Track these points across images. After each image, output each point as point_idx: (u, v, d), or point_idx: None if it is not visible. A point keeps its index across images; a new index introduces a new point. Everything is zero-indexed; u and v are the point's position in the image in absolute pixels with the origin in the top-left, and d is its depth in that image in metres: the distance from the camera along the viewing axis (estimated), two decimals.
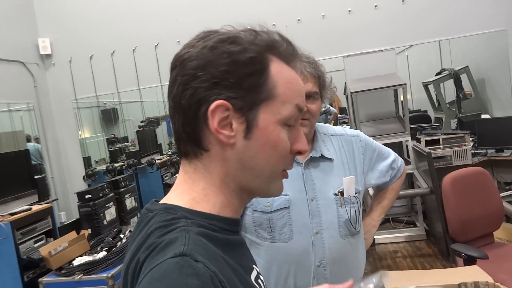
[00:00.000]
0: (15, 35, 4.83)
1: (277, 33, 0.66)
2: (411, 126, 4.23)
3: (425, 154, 3.52)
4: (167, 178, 5.21)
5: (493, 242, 2.85)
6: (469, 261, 2.30)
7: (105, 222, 3.92)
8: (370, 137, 1.48)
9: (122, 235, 3.39)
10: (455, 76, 5.16)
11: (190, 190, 0.65)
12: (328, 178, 1.32)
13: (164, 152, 5.89)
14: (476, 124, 4.41)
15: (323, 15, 4.68)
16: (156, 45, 4.97)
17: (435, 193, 3.39)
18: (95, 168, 5.38)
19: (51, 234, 3.65)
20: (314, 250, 1.27)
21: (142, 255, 0.57)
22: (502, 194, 3.06)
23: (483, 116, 4.83)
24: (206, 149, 0.64)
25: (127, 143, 5.83)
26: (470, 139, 4.14)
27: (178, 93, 0.63)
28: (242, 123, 0.62)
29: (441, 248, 3.75)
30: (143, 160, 5.14)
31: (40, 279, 2.96)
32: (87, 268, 2.92)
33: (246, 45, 0.62)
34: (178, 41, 4.46)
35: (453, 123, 5.16)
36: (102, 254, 3.09)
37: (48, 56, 5.21)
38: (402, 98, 4.27)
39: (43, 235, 3.57)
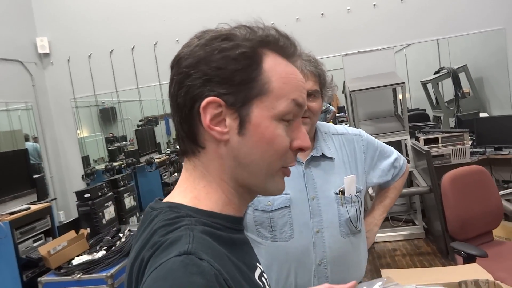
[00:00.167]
0: (13, 34, 4.81)
1: (274, 28, 0.66)
2: (410, 124, 4.24)
3: (424, 152, 3.53)
4: (166, 177, 5.21)
5: (492, 240, 2.86)
6: (469, 259, 2.30)
7: (104, 221, 3.91)
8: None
9: (121, 234, 3.39)
10: (454, 75, 5.17)
11: (192, 188, 0.66)
12: (329, 177, 1.32)
13: (163, 151, 5.89)
14: (474, 122, 4.41)
15: (322, 14, 4.68)
16: (155, 44, 4.96)
17: (434, 191, 3.40)
18: (94, 167, 5.37)
19: (50, 233, 3.64)
20: (315, 249, 1.28)
21: (147, 253, 0.57)
22: (500, 193, 3.07)
23: (481, 114, 4.83)
24: (202, 147, 0.64)
25: (126, 142, 5.82)
26: (469, 137, 4.15)
27: (175, 92, 0.64)
28: (235, 119, 0.62)
29: (440, 247, 3.75)
30: (142, 159, 5.13)
31: (39, 279, 2.96)
32: (86, 267, 2.92)
33: (238, 41, 0.62)
34: (177, 40, 4.46)
35: (452, 121, 5.17)
36: (101, 253, 3.09)
37: (46, 55, 5.20)
38: (401, 97, 4.28)
39: (42, 235, 3.56)
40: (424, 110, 5.74)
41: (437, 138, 4.12)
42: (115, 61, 5.09)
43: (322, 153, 1.34)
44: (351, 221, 1.31)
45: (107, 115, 5.78)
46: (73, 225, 3.74)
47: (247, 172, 0.64)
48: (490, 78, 5.17)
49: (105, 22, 5.07)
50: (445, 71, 5.27)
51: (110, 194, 4.13)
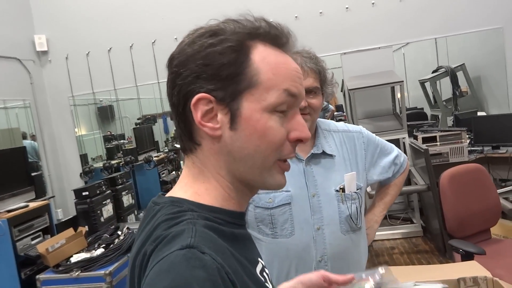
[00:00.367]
0: (11, 31, 4.79)
1: (264, 19, 0.65)
2: (408, 123, 4.25)
3: (422, 151, 3.54)
4: (164, 175, 5.20)
5: (490, 238, 2.87)
6: (467, 256, 2.32)
7: (102, 219, 3.91)
8: None
9: (119, 232, 3.38)
10: (452, 74, 5.19)
11: (191, 183, 0.66)
12: (329, 175, 1.33)
13: (161, 150, 5.88)
14: (472, 121, 4.43)
15: (321, 12, 4.68)
16: (153, 42, 4.95)
17: (432, 189, 3.41)
18: (92, 166, 5.36)
19: (48, 231, 3.64)
20: (315, 245, 1.28)
21: (149, 247, 0.57)
22: (498, 191, 3.08)
23: (479, 113, 4.85)
24: (198, 144, 0.65)
25: (124, 141, 5.81)
26: (467, 136, 4.17)
27: (169, 92, 0.65)
28: (226, 114, 0.61)
29: (437, 245, 3.77)
30: (140, 157, 5.13)
31: (37, 276, 2.95)
32: (85, 265, 2.91)
33: (225, 35, 0.62)
34: (175, 38, 4.45)
35: (449, 120, 5.19)
36: (100, 251, 3.08)
37: (45, 52, 5.18)
38: (399, 96, 4.29)
39: (40, 232, 3.56)
40: (422, 109, 5.76)
41: (435, 136, 4.13)
42: (114, 59, 5.08)
43: (323, 151, 1.34)
44: (351, 218, 1.31)
45: (105, 113, 5.77)
46: (71, 223, 3.73)
47: (243, 166, 0.63)
48: (488, 77, 5.19)
49: (104, 20, 5.06)
50: (443, 70, 5.29)
51: (108, 192, 4.13)
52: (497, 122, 4.23)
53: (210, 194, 0.65)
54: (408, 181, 4.36)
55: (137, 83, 5.06)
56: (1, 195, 3.35)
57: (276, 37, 0.64)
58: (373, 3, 4.59)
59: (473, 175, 2.86)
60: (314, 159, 1.33)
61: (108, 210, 4.04)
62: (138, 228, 0.67)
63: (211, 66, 0.61)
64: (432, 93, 5.52)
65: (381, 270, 0.84)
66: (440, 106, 5.31)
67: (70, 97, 5.23)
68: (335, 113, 6.93)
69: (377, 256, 3.83)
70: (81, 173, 5.21)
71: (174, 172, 5.31)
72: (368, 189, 2.90)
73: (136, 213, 4.71)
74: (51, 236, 3.47)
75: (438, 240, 3.63)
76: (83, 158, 5.38)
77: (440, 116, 5.33)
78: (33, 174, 4.22)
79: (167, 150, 5.78)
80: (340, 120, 6.42)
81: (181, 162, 5.50)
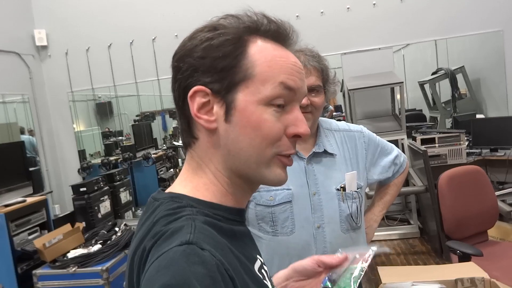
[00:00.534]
0: (11, 26, 4.77)
1: (263, 14, 0.65)
2: (407, 124, 4.25)
3: (421, 152, 3.54)
4: (162, 172, 5.20)
5: (487, 240, 2.88)
6: (464, 258, 2.32)
7: (99, 216, 3.91)
8: None
9: (117, 229, 3.38)
10: (451, 76, 5.19)
11: (191, 178, 0.66)
12: (330, 173, 1.33)
13: (159, 147, 5.88)
14: (471, 123, 4.43)
15: (322, 12, 4.68)
16: (153, 39, 4.94)
17: (430, 191, 3.41)
18: (90, 161, 5.35)
19: (46, 226, 3.63)
20: (315, 243, 1.29)
21: (149, 243, 0.57)
22: (495, 193, 3.08)
23: (478, 116, 4.86)
24: (196, 137, 0.65)
25: (122, 137, 5.80)
26: (465, 138, 4.17)
27: (172, 87, 0.65)
28: (221, 106, 0.61)
29: (434, 246, 3.77)
30: (138, 154, 5.12)
31: (34, 271, 2.95)
32: (82, 260, 2.91)
33: (223, 30, 0.62)
34: (176, 35, 4.43)
35: (448, 122, 5.19)
36: (97, 247, 3.08)
37: (44, 47, 5.16)
38: (398, 97, 4.29)
39: (37, 227, 3.55)
40: (421, 110, 5.76)
41: (434, 138, 4.14)
42: (113, 55, 5.07)
43: (324, 149, 1.34)
44: (351, 217, 1.32)
45: (104, 110, 5.76)
46: (69, 218, 3.73)
47: (238, 160, 0.62)
48: (487, 79, 5.19)
49: (104, 16, 5.04)
50: (442, 72, 5.29)
51: (106, 188, 4.12)
52: (496, 125, 4.24)
53: (209, 190, 0.64)
54: (406, 182, 4.36)
55: (136, 79, 5.05)
56: None
57: (276, 32, 0.65)
58: (374, 4, 4.59)
59: (471, 177, 2.86)
60: (316, 157, 1.34)
61: (105, 206, 4.04)
62: (138, 224, 0.66)
63: (208, 59, 0.61)
64: (431, 94, 5.52)
65: (374, 248, 0.84)
66: (439, 108, 5.32)
67: (69, 93, 5.22)
68: (334, 113, 6.93)
69: (374, 257, 3.83)
70: (79, 169, 5.21)
71: (172, 170, 5.30)
72: (367, 189, 2.90)
73: (133, 210, 4.71)
74: (48, 232, 3.47)
75: (435, 241, 3.63)
76: (81, 154, 5.37)
77: (439, 118, 5.33)
78: (31, 169, 4.22)
79: (165, 148, 5.77)
80: (339, 120, 6.41)
81: (179, 160, 5.50)
